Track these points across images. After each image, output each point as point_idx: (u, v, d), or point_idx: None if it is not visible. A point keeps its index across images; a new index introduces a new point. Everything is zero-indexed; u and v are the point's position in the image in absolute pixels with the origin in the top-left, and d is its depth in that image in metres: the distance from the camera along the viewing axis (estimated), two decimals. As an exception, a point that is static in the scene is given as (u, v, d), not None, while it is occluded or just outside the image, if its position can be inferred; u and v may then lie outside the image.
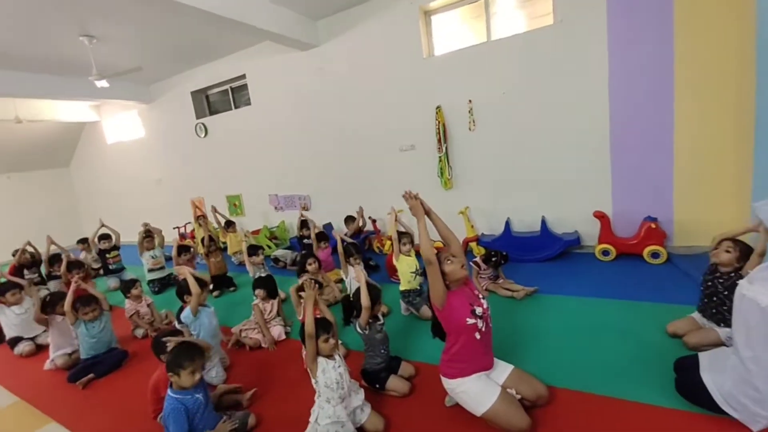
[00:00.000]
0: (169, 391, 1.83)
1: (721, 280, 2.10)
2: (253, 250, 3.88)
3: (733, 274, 2.08)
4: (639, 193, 3.89)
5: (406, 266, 3.22)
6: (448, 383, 1.90)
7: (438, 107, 4.56)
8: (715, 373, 1.70)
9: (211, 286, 4.28)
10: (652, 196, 3.84)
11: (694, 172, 3.63)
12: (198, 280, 2.63)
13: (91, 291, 3.17)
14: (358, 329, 2.14)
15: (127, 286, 3.56)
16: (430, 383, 2.20)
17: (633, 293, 3.05)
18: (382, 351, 2.24)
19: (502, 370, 1.94)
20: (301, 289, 2.76)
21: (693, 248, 3.66)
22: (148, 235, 4.83)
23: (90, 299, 3.05)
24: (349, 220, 5.13)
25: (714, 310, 2.12)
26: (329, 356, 1.92)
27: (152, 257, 4.80)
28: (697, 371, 1.77)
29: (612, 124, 3.85)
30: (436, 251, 1.82)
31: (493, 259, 3.34)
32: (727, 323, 1.83)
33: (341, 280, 4.10)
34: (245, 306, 3.85)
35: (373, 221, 5.17)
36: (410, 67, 4.68)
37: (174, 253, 4.26)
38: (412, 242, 3.38)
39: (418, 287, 3.18)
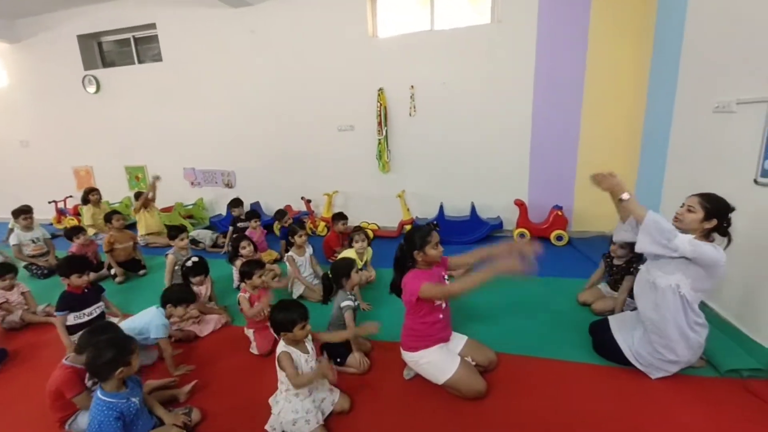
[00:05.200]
0: (98, 393, 1.52)
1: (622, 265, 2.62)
2: (175, 232, 3.38)
3: (628, 261, 2.62)
4: (549, 184, 4.47)
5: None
6: (411, 356, 1.98)
7: (380, 89, 4.54)
8: (624, 332, 2.10)
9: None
10: (559, 187, 4.45)
11: (591, 169, 4.25)
12: None
13: None
14: (342, 302, 2.12)
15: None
16: (386, 359, 2.26)
17: (546, 270, 3.52)
18: None
19: (458, 340, 2.10)
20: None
21: (587, 232, 4.38)
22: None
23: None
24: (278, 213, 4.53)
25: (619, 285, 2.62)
26: (302, 347, 1.82)
27: (33, 242, 3.88)
28: (609, 332, 2.15)
29: (533, 123, 4.32)
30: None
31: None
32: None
33: (276, 261, 3.89)
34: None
35: (307, 202, 4.97)
36: (354, 44, 4.54)
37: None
38: (367, 238, 3.35)
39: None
